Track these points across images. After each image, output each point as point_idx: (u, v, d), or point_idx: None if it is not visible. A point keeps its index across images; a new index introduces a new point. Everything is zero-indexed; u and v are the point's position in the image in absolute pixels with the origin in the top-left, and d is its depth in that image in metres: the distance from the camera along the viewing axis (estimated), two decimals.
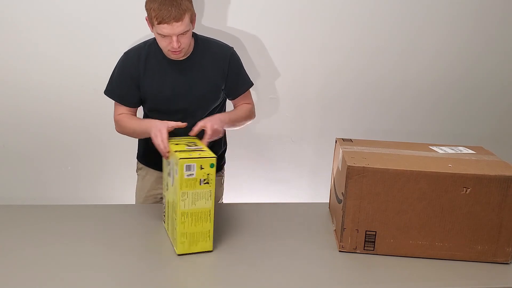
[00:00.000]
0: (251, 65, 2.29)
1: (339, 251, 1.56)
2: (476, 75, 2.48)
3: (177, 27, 1.60)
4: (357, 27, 2.33)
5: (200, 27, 2.17)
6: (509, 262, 1.52)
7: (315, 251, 1.56)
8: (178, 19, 1.59)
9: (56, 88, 2.22)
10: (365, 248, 1.55)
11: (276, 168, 2.51)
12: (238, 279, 1.40)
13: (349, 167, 1.50)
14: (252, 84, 1.89)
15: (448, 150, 1.73)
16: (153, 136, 1.56)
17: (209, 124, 1.61)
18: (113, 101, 1.80)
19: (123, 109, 1.79)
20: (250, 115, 1.88)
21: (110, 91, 1.79)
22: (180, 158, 1.38)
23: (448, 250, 1.52)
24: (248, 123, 1.87)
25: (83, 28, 2.15)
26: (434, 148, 1.75)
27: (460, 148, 1.76)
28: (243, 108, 1.87)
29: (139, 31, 2.17)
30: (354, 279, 1.43)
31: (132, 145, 2.01)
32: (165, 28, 1.60)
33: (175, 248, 1.49)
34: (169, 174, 1.52)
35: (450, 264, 1.51)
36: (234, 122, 1.79)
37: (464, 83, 2.48)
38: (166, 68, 1.75)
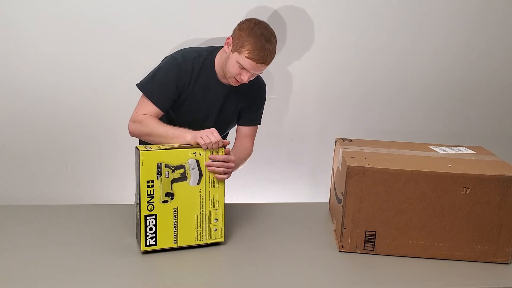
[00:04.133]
0: None
1: (339, 251, 1.56)
2: (476, 75, 2.48)
3: (261, 68, 1.63)
4: (357, 27, 2.32)
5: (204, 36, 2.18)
6: (509, 262, 1.52)
7: (315, 251, 1.56)
8: (267, 63, 1.63)
9: (56, 88, 2.21)
10: (365, 248, 1.55)
11: (276, 168, 2.50)
12: (238, 279, 1.40)
13: (349, 167, 1.50)
14: (259, 123, 1.90)
15: (448, 150, 1.73)
16: (204, 131, 1.50)
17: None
18: (137, 101, 1.71)
19: (150, 111, 1.67)
20: (248, 157, 1.85)
21: (150, 91, 1.67)
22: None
23: (448, 250, 1.52)
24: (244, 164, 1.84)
25: (84, 28, 2.15)
26: (434, 148, 1.75)
27: (460, 148, 1.76)
28: (245, 153, 1.83)
29: (139, 32, 2.17)
30: (354, 279, 1.43)
31: (132, 145, 2.01)
32: (250, 65, 1.60)
33: (206, 240, 1.55)
34: (178, 179, 1.49)
35: (450, 264, 1.51)
36: (237, 168, 1.71)
37: (464, 83, 2.48)
38: (210, 88, 1.75)
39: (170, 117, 1.81)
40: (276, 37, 1.66)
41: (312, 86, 2.40)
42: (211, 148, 1.49)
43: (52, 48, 2.16)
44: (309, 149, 2.50)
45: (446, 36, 2.39)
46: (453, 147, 1.76)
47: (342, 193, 1.56)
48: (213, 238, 1.56)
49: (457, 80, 2.47)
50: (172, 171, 1.47)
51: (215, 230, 1.56)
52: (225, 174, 1.53)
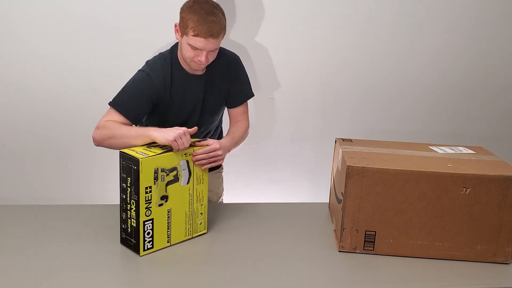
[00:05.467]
0: (252, 66, 2.29)
1: (339, 251, 1.56)
2: (476, 75, 2.48)
3: (212, 43, 1.59)
4: (357, 27, 2.32)
5: None
6: (508, 262, 1.52)
7: (315, 251, 1.56)
8: (215, 36, 1.58)
9: (56, 88, 2.22)
10: (365, 248, 1.55)
11: (276, 168, 2.50)
12: (238, 279, 1.40)
13: (348, 167, 1.50)
14: (253, 95, 1.89)
15: (448, 150, 1.73)
16: (175, 135, 1.47)
17: (219, 152, 1.59)
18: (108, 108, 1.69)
19: (116, 119, 1.65)
20: (246, 134, 1.86)
21: (120, 105, 1.66)
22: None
23: (448, 250, 1.52)
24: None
25: (83, 28, 2.15)
26: (434, 148, 1.75)
27: (460, 148, 1.76)
28: (241, 128, 1.84)
29: (139, 31, 2.17)
30: (354, 279, 1.43)
31: None
32: (200, 42, 1.57)
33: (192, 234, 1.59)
34: (171, 181, 1.49)
35: (450, 264, 1.51)
36: (235, 146, 1.78)
37: (464, 83, 2.48)
38: (187, 84, 1.74)
39: (155, 123, 1.77)
40: (221, 9, 1.63)
41: (312, 86, 2.40)
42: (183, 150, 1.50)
43: (52, 48, 2.16)
44: (309, 149, 2.50)
45: (446, 36, 2.39)
46: (453, 147, 1.76)
47: (342, 193, 1.56)
48: (198, 231, 1.61)
49: (457, 80, 2.47)
50: (167, 174, 1.48)
51: (200, 223, 1.60)
52: (215, 162, 1.58)
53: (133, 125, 1.67)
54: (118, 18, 2.16)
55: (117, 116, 1.65)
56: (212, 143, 1.59)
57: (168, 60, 1.71)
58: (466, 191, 1.47)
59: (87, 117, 2.27)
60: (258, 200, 2.47)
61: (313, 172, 2.53)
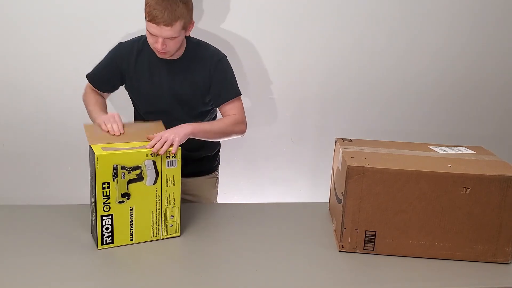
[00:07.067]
0: (252, 65, 2.29)
1: (339, 251, 1.56)
2: (476, 75, 2.48)
3: (165, 31, 1.57)
4: (357, 27, 2.32)
5: (197, 30, 2.17)
6: (509, 262, 1.52)
7: (315, 251, 1.56)
8: (168, 23, 1.55)
9: (56, 88, 2.22)
10: (365, 248, 1.55)
11: (276, 168, 2.50)
12: (238, 280, 1.40)
13: (349, 167, 1.50)
14: (239, 94, 1.80)
15: (448, 150, 1.73)
16: (103, 119, 1.60)
17: (167, 133, 1.53)
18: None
19: (92, 87, 1.86)
20: (234, 127, 1.76)
21: (91, 77, 1.84)
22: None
23: (448, 250, 1.52)
24: (234, 136, 1.78)
25: (84, 28, 2.15)
26: (434, 148, 1.75)
27: (460, 148, 1.76)
28: (226, 119, 1.77)
29: (140, 32, 2.17)
30: (354, 279, 1.43)
31: None
32: (153, 28, 1.57)
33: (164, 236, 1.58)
34: (134, 179, 1.48)
35: (450, 264, 1.51)
36: (208, 133, 1.70)
37: (464, 83, 2.48)
38: (155, 67, 1.73)
39: (134, 107, 1.90)
40: None
41: (312, 86, 2.40)
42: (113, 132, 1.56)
43: (53, 48, 2.16)
44: (309, 149, 2.50)
45: (446, 36, 2.39)
46: (453, 147, 1.76)
47: (342, 193, 1.56)
48: (169, 233, 1.58)
49: (457, 80, 2.47)
50: (128, 172, 1.46)
51: (171, 226, 1.58)
52: (171, 145, 1.50)
53: (105, 93, 1.87)
54: (119, 19, 2.16)
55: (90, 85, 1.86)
56: None
57: (142, 40, 1.76)
58: (466, 191, 1.48)
59: (87, 117, 2.27)
60: (258, 200, 2.47)
61: (313, 172, 2.53)
